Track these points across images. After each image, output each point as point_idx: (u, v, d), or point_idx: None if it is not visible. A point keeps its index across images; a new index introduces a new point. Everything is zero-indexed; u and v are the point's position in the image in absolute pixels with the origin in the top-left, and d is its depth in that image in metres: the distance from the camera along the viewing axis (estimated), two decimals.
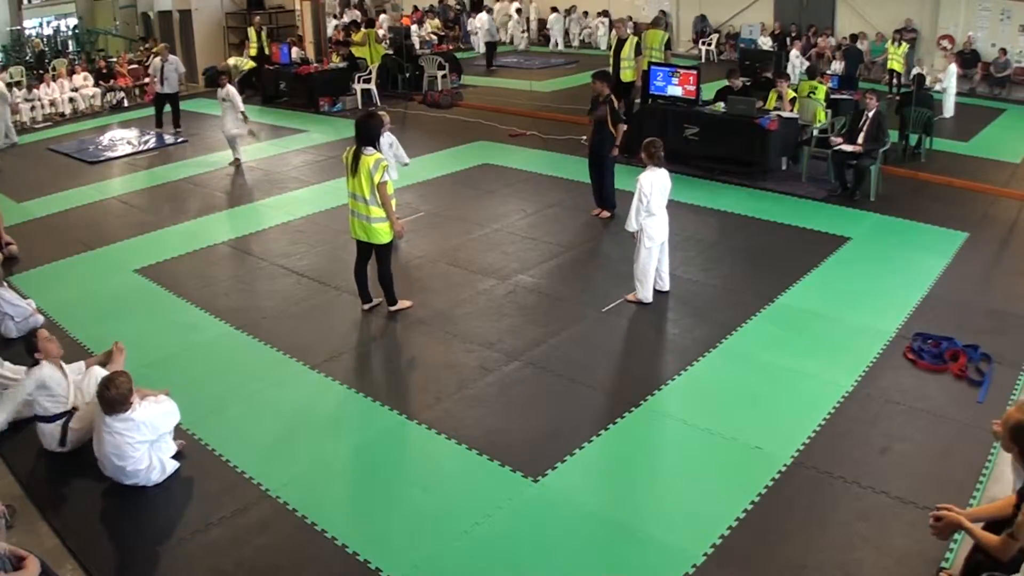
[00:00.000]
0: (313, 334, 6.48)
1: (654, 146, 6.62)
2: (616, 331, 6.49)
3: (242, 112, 11.28)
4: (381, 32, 17.60)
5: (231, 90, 11.21)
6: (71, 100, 16.37)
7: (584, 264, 7.82)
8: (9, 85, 14.66)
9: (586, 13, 22.58)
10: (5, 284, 6.74)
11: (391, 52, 16.81)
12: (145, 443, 4.54)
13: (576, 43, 22.60)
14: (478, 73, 18.65)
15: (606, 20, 21.58)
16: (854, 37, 16.73)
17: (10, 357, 5.81)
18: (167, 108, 13.95)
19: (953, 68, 13.80)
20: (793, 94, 10.49)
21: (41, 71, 17.13)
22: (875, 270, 7.42)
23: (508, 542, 4.21)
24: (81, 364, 5.38)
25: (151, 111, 16.33)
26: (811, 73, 11.61)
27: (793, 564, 3.98)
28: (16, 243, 8.46)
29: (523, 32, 22.86)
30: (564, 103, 14.77)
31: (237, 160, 11.61)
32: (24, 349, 5.13)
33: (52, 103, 16.08)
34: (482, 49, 20.52)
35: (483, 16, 20.29)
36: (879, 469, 4.67)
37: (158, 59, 13.89)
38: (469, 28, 22.46)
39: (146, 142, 13.37)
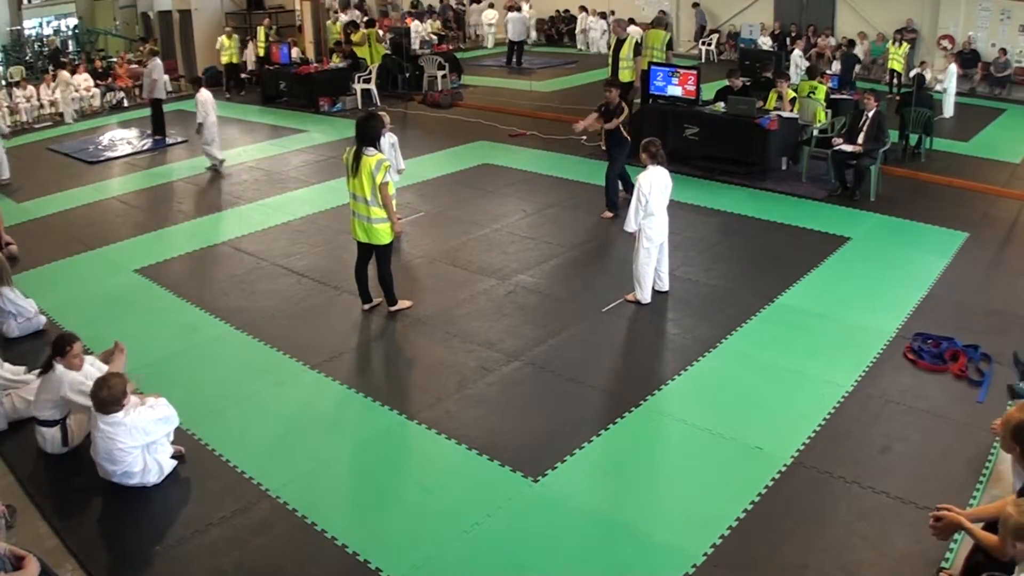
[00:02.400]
0: (313, 334, 6.48)
1: (654, 145, 6.63)
2: (616, 331, 6.49)
3: (199, 123, 10.93)
4: (381, 32, 17.61)
5: (200, 96, 10.92)
6: (71, 100, 16.40)
7: (584, 264, 7.82)
8: (9, 84, 14.70)
9: (591, 12, 22.40)
10: (11, 284, 6.73)
11: (391, 52, 16.82)
12: (137, 447, 4.53)
13: (583, 46, 22.44)
14: (480, 73, 18.66)
15: (602, 21, 21.47)
16: (851, 43, 16.70)
17: (10, 357, 5.81)
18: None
19: (953, 68, 13.80)
20: (793, 94, 10.49)
21: (55, 69, 17.19)
22: (875, 270, 7.42)
23: (508, 542, 4.21)
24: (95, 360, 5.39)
25: (150, 111, 16.40)
26: (811, 73, 11.61)
27: (793, 564, 3.98)
28: (16, 243, 8.46)
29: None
30: (564, 103, 14.78)
31: (221, 162, 11.39)
32: (53, 347, 4.97)
33: (52, 103, 16.08)
34: (490, 44, 20.47)
35: (513, 13, 20.21)
36: (879, 469, 4.67)
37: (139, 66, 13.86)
38: (483, 20, 22.47)
39: (145, 142, 13.37)
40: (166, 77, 14.40)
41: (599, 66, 16.87)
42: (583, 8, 22.35)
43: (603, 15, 21.56)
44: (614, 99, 8.69)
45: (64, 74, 16.19)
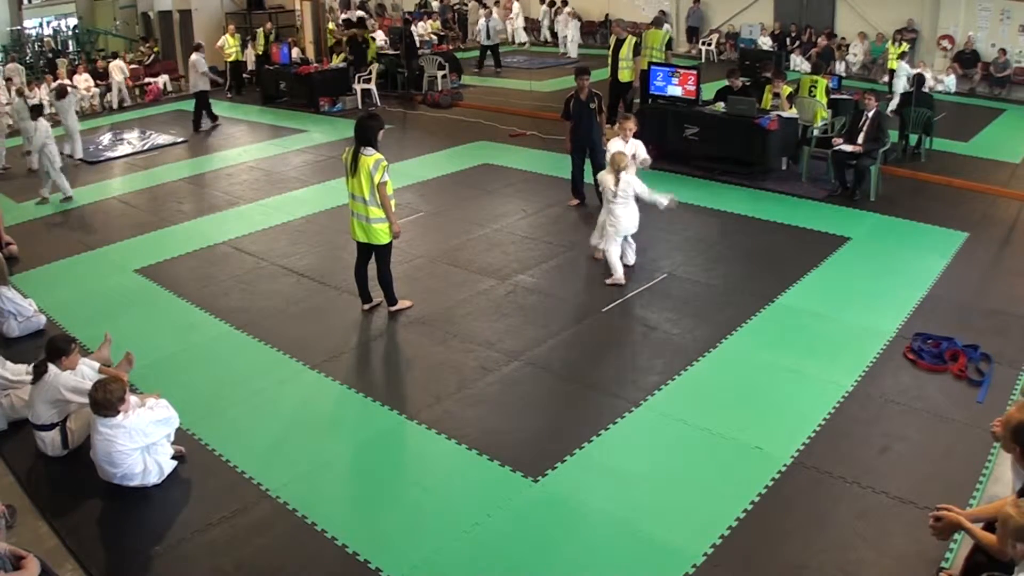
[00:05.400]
0: (313, 334, 6.48)
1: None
2: (616, 331, 6.49)
3: (29, 152, 10.08)
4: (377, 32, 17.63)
5: (39, 125, 10.07)
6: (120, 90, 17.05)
7: (584, 264, 7.81)
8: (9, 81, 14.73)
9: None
10: (8, 284, 6.74)
11: (392, 52, 16.82)
12: (136, 449, 4.52)
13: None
14: (479, 73, 18.68)
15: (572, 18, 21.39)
16: (830, 35, 17.40)
17: (11, 356, 5.80)
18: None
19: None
20: (790, 90, 10.47)
21: (50, 71, 17.30)
22: (875, 270, 7.42)
23: (508, 542, 4.21)
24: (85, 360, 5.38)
25: (150, 111, 16.48)
26: (816, 69, 11.58)
27: (793, 564, 3.98)
28: (16, 243, 8.46)
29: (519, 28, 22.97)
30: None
31: (68, 197, 10.30)
32: (49, 348, 5.02)
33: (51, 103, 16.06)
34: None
35: (481, 19, 20.19)
36: (879, 469, 4.67)
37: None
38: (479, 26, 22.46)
39: (146, 142, 13.39)
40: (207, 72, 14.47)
41: (598, 66, 16.84)
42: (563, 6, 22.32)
43: (552, 4, 21.27)
44: (586, 86, 8.71)
45: (119, 63, 17.40)
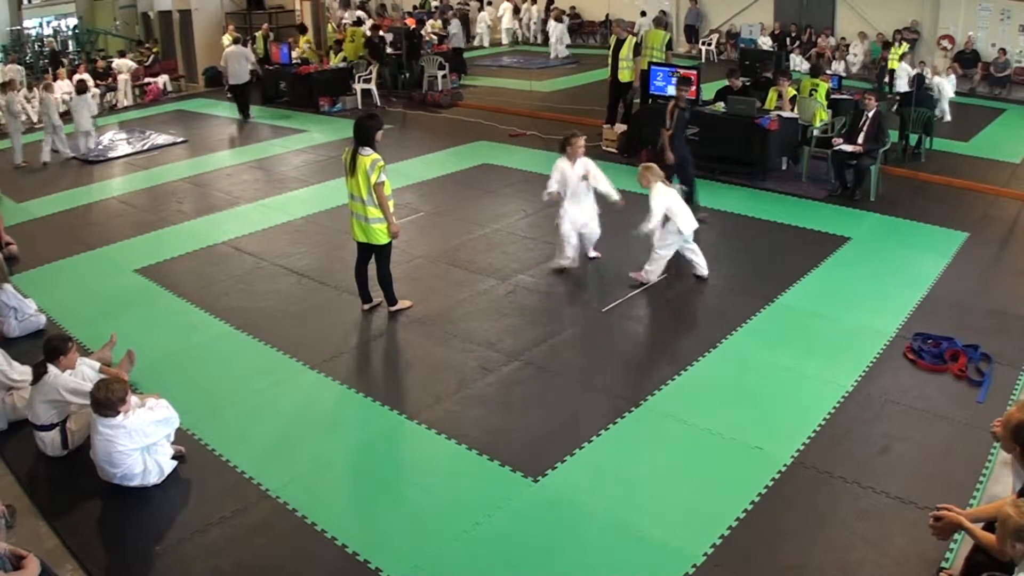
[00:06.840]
0: (313, 334, 6.48)
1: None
2: (616, 331, 6.49)
3: None
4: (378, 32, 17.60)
5: None
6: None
7: (584, 264, 7.81)
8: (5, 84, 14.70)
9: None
10: (9, 283, 6.73)
11: (393, 52, 16.81)
12: (136, 450, 4.52)
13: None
14: (479, 73, 18.68)
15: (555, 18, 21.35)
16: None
17: (10, 356, 5.79)
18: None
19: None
20: (793, 92, 10.47)
21: (54, 70, 17.30)
22: (875, 270, 7.42)
23: (508, 542, 4.21)
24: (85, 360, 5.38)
25: (150, 111, 16.45)
26: (815, 71, 11.59)
27: (793, 564, 3.98)
28: (16, 243, 8.46)
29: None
30: (564, 103, 14.78)
31: None
32: (47, 348, 5.04)
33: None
34: (487, 43, 20.49)
35: (455, 21, 20.06)
36: (879, 469, 4.67)
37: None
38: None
39: (146, 142, 13.39)
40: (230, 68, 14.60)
41: (598, 66, 16.86)
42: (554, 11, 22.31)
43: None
44: (684, 97, 8.67)
45: (126, 61, 17.75)
